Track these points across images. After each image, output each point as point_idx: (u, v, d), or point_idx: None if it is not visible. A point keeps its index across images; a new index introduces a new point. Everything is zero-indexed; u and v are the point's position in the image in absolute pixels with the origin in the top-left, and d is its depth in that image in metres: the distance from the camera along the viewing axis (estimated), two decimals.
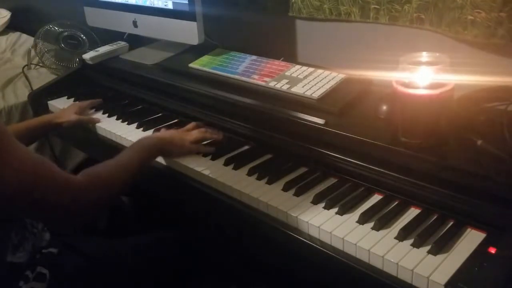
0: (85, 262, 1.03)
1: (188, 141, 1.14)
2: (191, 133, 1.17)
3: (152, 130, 1.27)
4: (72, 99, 1.54)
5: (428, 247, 0.80)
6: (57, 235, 0.99)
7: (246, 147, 1.17)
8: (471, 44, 1.10)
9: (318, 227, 0.88)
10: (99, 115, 1.42)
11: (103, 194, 0.91)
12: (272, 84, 1.21)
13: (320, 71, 1.24)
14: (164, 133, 1.18)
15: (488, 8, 1.01)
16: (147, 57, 1.55)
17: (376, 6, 1.24)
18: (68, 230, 1.09)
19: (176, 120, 1.34)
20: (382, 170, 0.95)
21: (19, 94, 1.79)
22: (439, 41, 1.16)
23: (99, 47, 1.64)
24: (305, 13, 1.39)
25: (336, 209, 0.92)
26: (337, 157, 1.01)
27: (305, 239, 0.89)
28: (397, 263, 0.78)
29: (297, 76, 1.23)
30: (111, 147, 1.30)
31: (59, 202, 0.82)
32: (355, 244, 0.83)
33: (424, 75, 0.90)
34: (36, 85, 1.77)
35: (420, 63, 0.93)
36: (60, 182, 0.82)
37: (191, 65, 1.40)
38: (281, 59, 1.34)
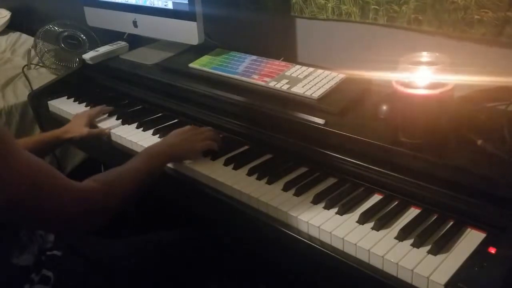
0: (89, 264, 1.03)
1: (198, 146, 1.11)
2: (203, 139, 1.13)
3: (152, 130, 1.27)
4: (72, 99, 1.54)
5: (428, 247, 0.80)
6: (61, 238, 0.99)
7: (246, 147, 1.17)
8: (475, 43, 1.11)
9: (318, 227, 0.88)
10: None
11: (113, 202, 0.90)
12: (272, 84, 1.21)
13: (320, 71, 1.24)
14: (174, 138, 1.13)
15: (495, 8, 1.04)
16: (147, 57, 1.55)
17: (375, 7, 1.24)
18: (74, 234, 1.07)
19: (176, 120, 1.34)
20: (382, 170, 0.95)
21: (19, 94, 1.79)
22: (440, 41, 1.16)
23: (99, 47, 1.64)
24: (307, 12, 1.39)
25: (336, 209, 0.92)
26: (337, 157, 1.01)
27: (305, 239, 0.89)
28: (397, 263, 0.78)
29: (297, 76, 1.23)
30: (111, 147, 1.30)
31: (67, 208, 0.80)
32: (355, 244, 0.83)
33: (424, 75, 0.90)
34: (36, 85, 1.77)
35: (420, 63, 0.93)
36: (64, 187, 0.80)
37: (191, 65, 1.40)
38: (281, 59, 1.34)
